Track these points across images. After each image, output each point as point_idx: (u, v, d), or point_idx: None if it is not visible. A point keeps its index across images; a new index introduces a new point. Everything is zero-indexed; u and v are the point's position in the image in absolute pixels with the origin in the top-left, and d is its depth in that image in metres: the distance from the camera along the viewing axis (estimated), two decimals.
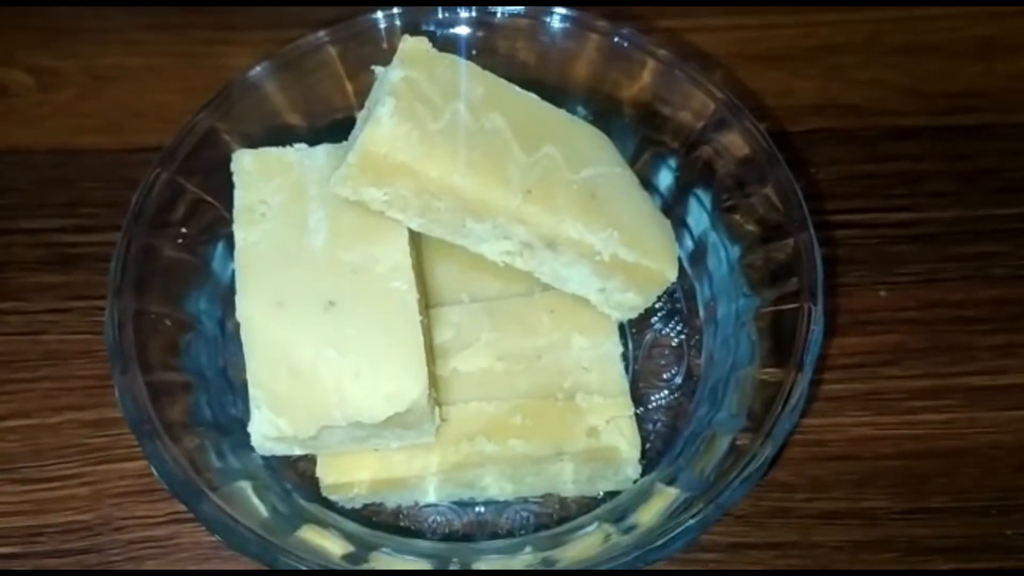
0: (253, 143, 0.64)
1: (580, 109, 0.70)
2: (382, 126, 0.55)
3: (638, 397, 0.65)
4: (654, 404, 0.67)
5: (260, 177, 0.61)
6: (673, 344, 0.69)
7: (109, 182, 0.77)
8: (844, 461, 0.67)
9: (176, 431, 0.55)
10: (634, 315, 0.64)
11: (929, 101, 0.82)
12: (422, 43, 0.59)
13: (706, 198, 0.67)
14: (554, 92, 0.69)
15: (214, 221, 0.64)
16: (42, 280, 0.73)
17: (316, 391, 0.55)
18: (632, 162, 0.69)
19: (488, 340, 0.62)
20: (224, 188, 0.62)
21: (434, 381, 0.59)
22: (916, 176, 0.79)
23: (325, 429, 0.55)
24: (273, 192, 0.60)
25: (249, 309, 0.56)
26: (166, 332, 0.59)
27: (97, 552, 0.63)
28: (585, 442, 0.59)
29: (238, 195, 0.60)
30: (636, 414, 0.62)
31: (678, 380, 0.67)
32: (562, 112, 0.63)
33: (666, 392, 0.67)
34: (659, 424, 0.66)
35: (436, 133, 0.56)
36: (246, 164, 0.61)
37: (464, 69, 0.60)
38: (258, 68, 0.65)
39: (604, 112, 0.70)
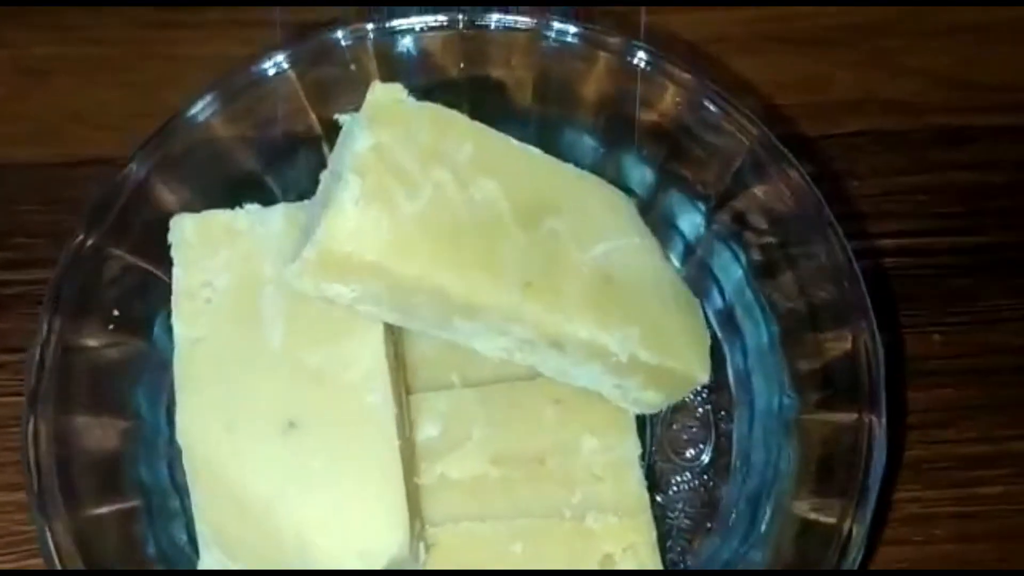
0: (198, 192, 0.54)
1: (587, 139, 0.58)
2: (346, 217, 0.43)
3: (657, 479, 0.56)
4: (675, 490, 0.57)
5: (204, 250, 0.50)
6: (698, 413, 0.59)
7: (47, 204, 0.66)
8: (891, 546, 0.59)
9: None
10: (656, 411, 0.54)
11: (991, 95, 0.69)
12: (394, 92, 0.47)
13: (740, 252, 0.56)
14: (556, 119, 0.58)
15: (151, 289, 0.53)
16: None
17: (273, 538, 0.46)
18: (650, 201, 0.58)
19: (482, 438, 0.53)
20: (162, 248, 0.51)
21: (417, 498, 0.50)
22: (977, 190, 0.67)
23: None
24: (220, 270, 0.50)
25: (192, 432, 0.47)
26: (99, 445, 0.50)
27: None
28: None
29: (178, 275, 0.50)
30: (654, 505, 0.53)
31: (704, 459, 0.58)
32: (569, 168, 0.52)
33: (689, 475, 0.58)
34: (681, 516, 0.57)
35: (413, 219, 0.45)
36: (187, 234, 0.50)
37: (447, 123, 0.48)
38: (203, 101, 0.53)
39: (616, 141, 0.58)
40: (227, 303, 0.49)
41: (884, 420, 0.48)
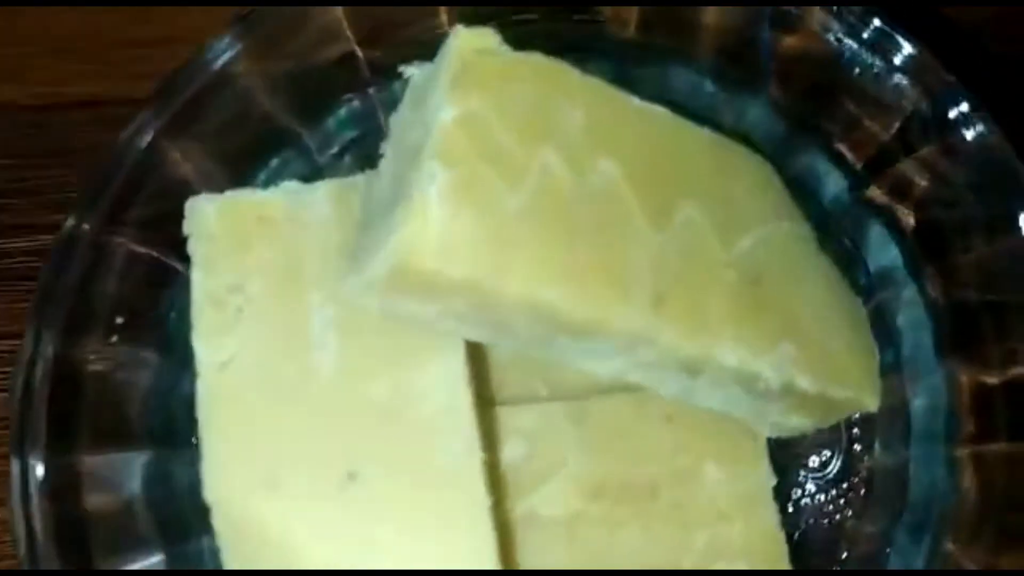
0: (218, 156, 0.42)
1: (701, 78, 0.46)
2: (429, 224, 0.32)
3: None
4: (796, 507, 0.48)
5: (231, 245, 0.39)
6: None
7: (21, 157, 0.54)
8: None
9: None
10: (796, 434, 0.44)
11: None
12: (484, 38, 0.35)
13: (896, 231, 0.45)
14: (663, 54, 0.46)
15: (163, 282, 0.42)
16: None
17: None
18: (778, 159, 0.46)
19: (577, 467, 0.43)
20: (175, 229, 0.40)
21: (505, 550, 0.40)
22: None
23: None
24: (252, 272, 0.38)
25: (225, 489, 0.36)
26: (109, 491, 0.39)
27: None
28: None
29: (198, 279, 0.38)
30: None
31: (833, 470, 0.48)
32: (703, 133, 0.40)
33: (813, 488, 0.48)
34: (807, 538, 0.47)
35: (515, 219, 0.33)
36: (209, 223, 0.39)
37: (554, 81, 0.36)
38: (222, 40, 0.41)
39: (739, 82, 0.46)
40: (263, 314, 0.38)
41: None
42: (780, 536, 0.43)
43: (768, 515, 0.43)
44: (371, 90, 0.46)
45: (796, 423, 0.42)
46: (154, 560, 0.40)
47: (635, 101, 0.38)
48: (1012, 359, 0.41)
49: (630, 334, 0.35)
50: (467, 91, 0.34)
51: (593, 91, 0.37)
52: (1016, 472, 0.41)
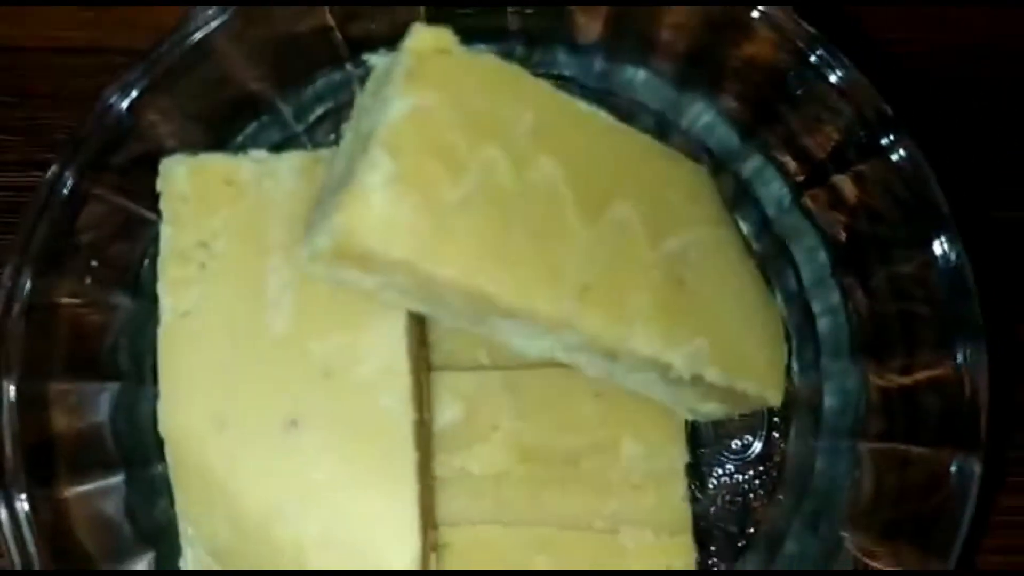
0: (194, 119, 0.46)
1: (660, 83, 0.49)
2: (370, 206, 0.35)
3: (694, 467, 0.50)
4: (715, 484, 0.52)
5: (200, 205, 0.42)
6: None
7: (22, 96, 0.56)
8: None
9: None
10: (711, 419, 0.47)
11: None
12: (441, 37, 0.37)
13: (828, 239, 0.48)
14: (627, 56, 0.48)
15: (135, 231, 0.46)
16: None
17: (268, 552, 0.40)
18: (728, 164, 0.50)
19: (508, 431, 0.47)
20: (150, 184, 0.44)
21: (431, 502, 0.44)
22: None
23: None
24: (218, 232, 0.42)
25: (178, 427, 0.40)
26: (75, 415, 0.43)
27: None
28: None
29: (167, 234, 0.42)
30: (692, 499, 0.48)
31: (752, 453, 0.52)
32: (643, 139, 0.43)
33: (731, 468, 0.52)
34: (719, 516, 0.51)
35: (454, 210, 0.36)
36: (180, 183, 0.42)
37: (506, 82, 0.39)
38: (208, 10, 0.43)
39: (695, 90, 0.49)
40: (225, 271, 0.41)
41: (980, 468, 0.41)
42: (686, 509, 0.47)
43: (677, 490, 0.47)
44: (348, 65, 0.48)
45: (709, 409, 0.45)
46: (115, 480, 0.44)
47: (582, 105, 0.41)
48: (915, 367, 0.45)
49: (555, 319, 0.39)
50: (420, 87, 0.36)
51: (542, 94, 0.39)
52: (908, 470, 0.44)
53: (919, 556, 0.42)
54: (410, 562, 0.39)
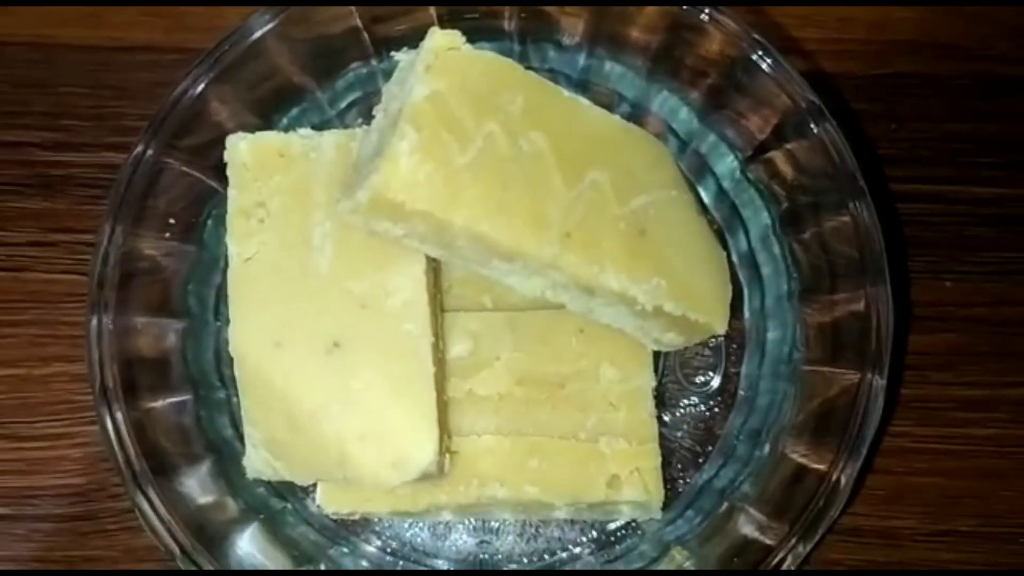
0: (249, 105, 0.56)
1: (634, 75, 0.59)
2: (400, 168, 0.45)
3: (665, 398, 0.61)
4: (682, 411, 0.62)
5: (259, 172, 0.52)
6: (712, 343, 0.62)
7: (94, 88, 0.66)
8: (874, 474, 0.63)
9: (170, 471, 0.51)
10: (673, 349, 0.58)
11: None
12: (452, 38, 0.48)
13: (770, 202, 0.58)
14: (606, 53, 0.58)
15: (202, 196, 0.56)
16: (22, 206, 0.65)
17: (316, 446, 0.50)
18: (690, 141, 0.60)
19: (508, 361, 0.57)
20: (214, 158, 0.54)
21: (445, 413, 0.54)
22: (1013, 142, 0.67)
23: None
24: (273, 193, 0.52)
25: (244, 346, 0.50)
26: (154, 343, 0.54)
27: (91, 519, 0.61)
28: (605, 493, 0.55)
29: (232, 195, 0.52)
30: (660, 423, 0.58)
31: (713, 386, 0.62)
32: (615, 120, 0.53)
33: (696, 399, 0.62)
34: (684, 437, 0.61)
35: (464, 170, 0.47)
36: (242, 155, 0.52)
37: (502, 73, 0.49)
38: (262, 16, 0.53)
39: (663, 81, 0.59)
40: (279, 225, 0.52)
41: (884, 383, 0.51)
42: (654, 424, 0.57)
43: (646, 407, 0.56)
44: (374, 61, 0.58)
45: (669, 339, 0.55)
46: (186, 398, 0.54)
47: (565, 92, 0.51)
48: (837, 306, 0.55)
49: (543, 260, 0.49)
50: (436, 77, 0.47)
51: (533, 82, 0.50)
52: (832, 386, 0.54)
53: (837, 454, 0.52)
54: (431, 452, 0.49)
